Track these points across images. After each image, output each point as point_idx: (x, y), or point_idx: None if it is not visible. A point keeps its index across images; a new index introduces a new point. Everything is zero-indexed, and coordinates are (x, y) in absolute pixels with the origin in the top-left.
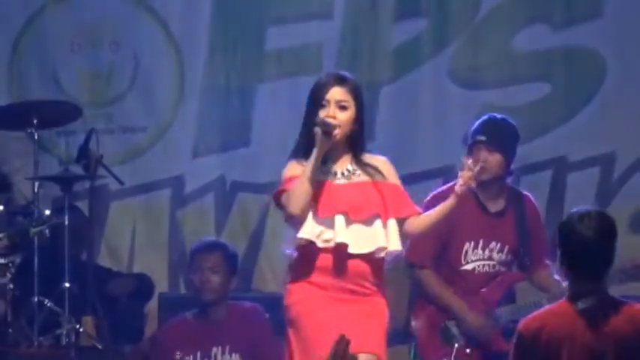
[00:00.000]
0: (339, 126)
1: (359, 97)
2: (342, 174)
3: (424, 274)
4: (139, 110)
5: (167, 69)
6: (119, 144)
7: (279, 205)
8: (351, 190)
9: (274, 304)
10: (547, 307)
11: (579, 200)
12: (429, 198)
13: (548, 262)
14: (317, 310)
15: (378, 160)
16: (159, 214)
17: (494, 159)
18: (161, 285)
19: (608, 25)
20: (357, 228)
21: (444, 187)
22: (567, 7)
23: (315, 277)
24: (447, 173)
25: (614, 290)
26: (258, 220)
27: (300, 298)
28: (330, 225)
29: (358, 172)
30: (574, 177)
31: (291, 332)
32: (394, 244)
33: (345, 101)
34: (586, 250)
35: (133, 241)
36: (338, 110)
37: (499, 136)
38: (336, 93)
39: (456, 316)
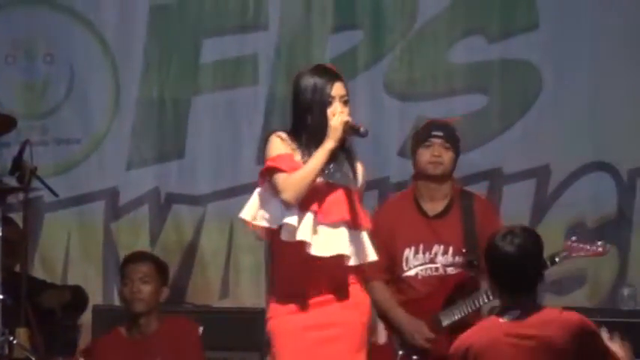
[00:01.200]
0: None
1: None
2: (323, 171)
3: (372, 287)
4: (74, 122)
5: (102, 81)
6: (53, 155)
7: (265, 179)
8: (326, 190)
9: (208, 318)
10: (478, 323)
11: (514, 212)
12: (379, 209)
13: None
14: (289, 336)
15: (360, 167)
16: (93, 226)
17: (448, 156)
18: (95, 297)
19: (544, 37)
20: (322, 230)
21: (395, 197)
22: (503, 19)
23: (287, 284)
24: (382, 185)
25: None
26: (193, 232)
27: (272, 314)
28: (300, 220)
29: (338, 173)
30: (509, 189)
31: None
32: (372, 255)
33: (346, 96)
34: (507, 266)
35: (68, 253)
36: (342, 105)
37: (453, 134)
38: (340, 88)
39: (394, 323)
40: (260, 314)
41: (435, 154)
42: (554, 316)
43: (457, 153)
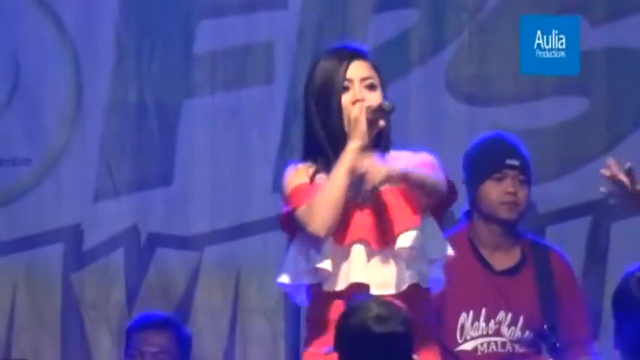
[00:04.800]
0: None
1: (381, 74)
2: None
3: None
4: (20, 135)
5: (59, 78)
6: None
7: (289, 226)
8: (374, 206)
9: None
10: None
11: (628, 259)
12: None
13: (590, 348)
14: None
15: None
16: (47, 279)
17: (523, 193)
18: None
19: None
20: (381, 260)
21: (458, 230)
22: None
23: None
24: (445, 223)
25: None
26: (185, 286)
27: None
28: (346, 257)
29: None
30: (621, 227)
31: None
32: (436, 251)
33: (371, 78)
34: None
35: (12, 315)
36: (366, 91)
37: (528, 161)
38: (360, 69)
39: None
40: None
41: (509, 191)
42: None
43: (530, 185)
